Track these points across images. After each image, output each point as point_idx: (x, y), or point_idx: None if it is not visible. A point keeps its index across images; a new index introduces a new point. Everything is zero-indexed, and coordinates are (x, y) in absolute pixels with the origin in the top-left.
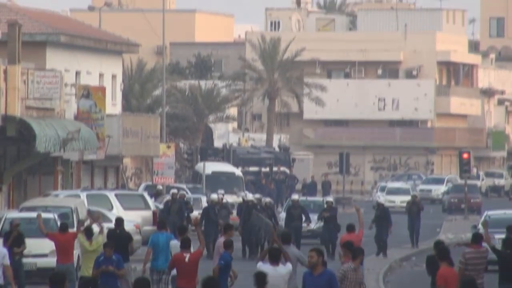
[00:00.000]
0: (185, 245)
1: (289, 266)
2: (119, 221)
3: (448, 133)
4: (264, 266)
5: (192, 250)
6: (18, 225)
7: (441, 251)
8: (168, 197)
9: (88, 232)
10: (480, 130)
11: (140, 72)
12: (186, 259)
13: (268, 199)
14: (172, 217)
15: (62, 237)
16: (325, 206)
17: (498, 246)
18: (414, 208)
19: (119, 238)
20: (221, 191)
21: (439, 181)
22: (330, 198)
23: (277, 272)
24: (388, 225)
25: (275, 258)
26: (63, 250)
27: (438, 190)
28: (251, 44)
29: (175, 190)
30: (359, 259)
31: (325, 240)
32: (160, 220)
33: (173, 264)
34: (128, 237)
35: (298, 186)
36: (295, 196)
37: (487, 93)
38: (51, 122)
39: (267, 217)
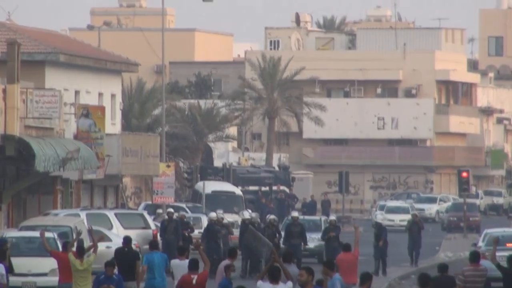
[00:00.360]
0: (193, 266)
1: (289, 284)
2: (127, 239)
3: (447, 152)
4: (264, 285)
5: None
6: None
7: (422, 279)
8: (165, 216)
9: (80, 251)
10: (479, 149)
11: (140, 92)
12: (194, 281)
13: (272, 217)
14: (168, 236)
15: (65, 256)
16: (328, 225)
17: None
18: (415, 228)
19: (126, 256)
20: (219, 211)
21: (432, 200)
22: (333, 217)
23: None
24: (384, 242)
25: (275, 276)
26: (66, 269)
27: (431, 209)
28: (251, 63)
29: (171, 210)
30: (366, 284)
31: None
32: (152, 240)
33: (180, 286)
34: (135, 255)
35: (298, 205)
36: (295, 214)
37: (486, 111)
38: (51, 141)
39: (272, 235)
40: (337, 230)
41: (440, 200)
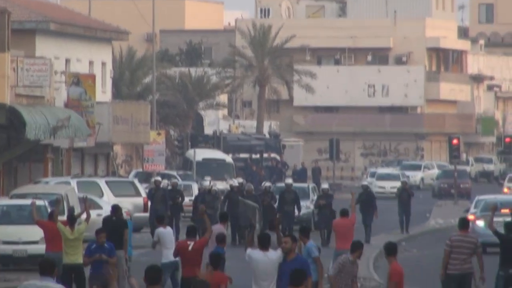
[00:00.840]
0: (190, 233)
1: (279, 252)
2: (116, 208)
3: (438, 119)
4: (254, 253)
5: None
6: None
7: (389, 249)
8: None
9: (71, 220)
10: (470, 116)
11: (130, 60)
12: (190, 248)
13: (268, 184)
14: (155, 205)
15: (51, 225)
16: (321, 193)
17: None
18: (405, 195)
19: (115, 225)
20: (207, 178)
21: (416, 167)
22: (325, 185)
23: (267, 258)
24: (373, 210)
25: (265, 243)
26: (53, 238)
27: (416, 176)
28: (241, 32)
29: (158, 178)
30: (357, 252)
31: (321, 227)
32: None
33: (176, 252)
34: (124, 224)
35: (289, 172)
36: (289, 181)
37: (477, 79)
38: (41, 109)
39: (268, 202)
40: (329, 198)
41: (425, 167)
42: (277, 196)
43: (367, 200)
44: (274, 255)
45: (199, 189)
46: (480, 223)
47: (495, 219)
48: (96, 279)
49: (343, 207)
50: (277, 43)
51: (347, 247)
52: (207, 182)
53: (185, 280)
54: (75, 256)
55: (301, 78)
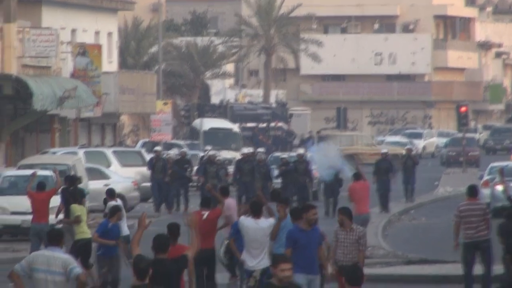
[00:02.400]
0: (205, 203)
1: (271, 221)
2: (71, 178)
3: (445, 87)
4: (246, 220)
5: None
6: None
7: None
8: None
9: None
10: (478, 83)
11: (136, 30)
12: (204, 217)
13: (301, 151)
14: (156, 175)
15: (38, 196)
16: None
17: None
18: (409, 162)
19: (73, 195)
20: (208, 147)
21: (417, 136)
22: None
23: (259, 226)
24: (392, 176)
25: (257, 211)
26: (38, 209)
27: (418, 144)
28: (247, 1)
29: (158, 148)
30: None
31: (328, 196)
32: (110, 189)
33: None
34: (81, 194)
35: (296, 141)
36: (300, 151)
37: (484, 46)
38: (48, 80)
39: (263, 173)
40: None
41: (426, 135)
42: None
43: (386, 167)
44: (265, 223)
45: (200, 159)
46: (500, 187)
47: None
48: (106, 262)
49: (355, 171)
50: (283, 11)
51: (365, 211)
52: (213, 152)
53: (201, 252)
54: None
55: (307, 46)
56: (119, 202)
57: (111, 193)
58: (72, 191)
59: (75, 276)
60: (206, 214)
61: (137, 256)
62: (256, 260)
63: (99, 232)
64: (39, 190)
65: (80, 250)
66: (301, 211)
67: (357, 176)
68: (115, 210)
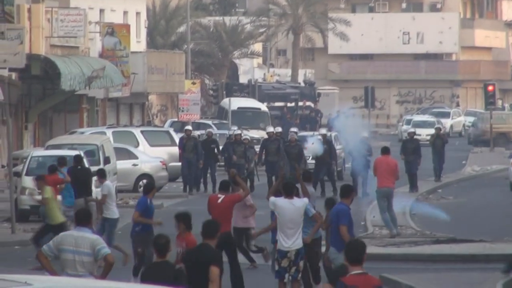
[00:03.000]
0: (223, 187)
1: (305, 200)
2: (78, 158)
3: (473, 66)
4: (278, 200)
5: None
6: None
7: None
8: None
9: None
10: (505, 63)
11: (164, 9)
12: (219, 201)
13: (295, 136)
14: (187, 154)
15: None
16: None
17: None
18: (438, 142)
19: (80, 174)
20: (234, 127)
21: (444, 115)
22: (365, 134)
23: (293, 205)
24: (418, 158)
25: (290, 191)
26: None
27: (445, 123)
28: None
29: (189, 127)
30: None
31: (355, 175)
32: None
33: (208, 204)
34: (88, 173)
35: (324, 121)
36: (323, 131)
37: None
38: (76, 60)
39: (295, 154)
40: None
41: (453, 114)
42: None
43: (413, 148)
44: (299, 202)
45: (226, 139)
46: None
47: None
48: (142, 239)
49: (384, 145)
50: None
51: (386, 185)
52: (238, 131)
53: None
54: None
55: (335, 26)
56: (109, 183)
57: (102, 174)
58: (79, 170)
59: (103, 256)
60: (222, 198)
61: (158, 234)
62: (290, 241)
63: (141, 210)
64: (50, 172)
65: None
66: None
67: (384, 151)
68: (151, 186)
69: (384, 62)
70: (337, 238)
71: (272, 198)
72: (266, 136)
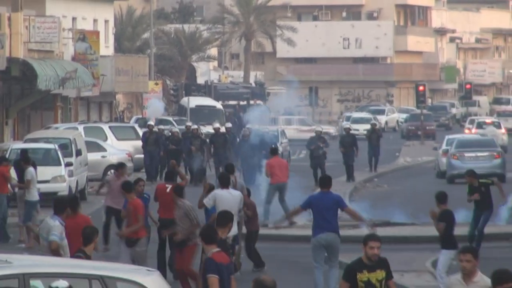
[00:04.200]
0: (168, 177)
1: (239, 191)
2: (23, 152)
3: (405, 68)
4: (219, 190)
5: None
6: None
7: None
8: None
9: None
10: (434, 65)
11: (130, 17)
12: (167, 190)
13: (319, 128)
14: (149, 147)
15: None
16: (314, 135)
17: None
18: (374, 136)
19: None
20: (189, 123)
21: (380, 112)
22: (319, 128)
23: (231, 195)
24: (355, 150)
25: (225, 182)
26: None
27: (381, 120)
28: None
29: (151, 123)
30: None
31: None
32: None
33: (155, 195)
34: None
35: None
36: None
37: (440, 32)
38: (51, 63)
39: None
40: (325, 141)
41: (388, 111)
42: None
43: (350, 142)
44: (236, 192)
45: (182, 133)
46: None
47: (466, 154)
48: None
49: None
50: (261, 1)
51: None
52: (189, 123)
53: (162, 220)
54: None
55: (283, 32)
56: (32, 169)
57: (26, 159)
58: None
59: (49, 243)
60: (169, 187)
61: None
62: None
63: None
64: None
65: None
66: None
67: (273, 152)
68: (173, 174)
69: (326, 65)
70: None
71: (215, 191)
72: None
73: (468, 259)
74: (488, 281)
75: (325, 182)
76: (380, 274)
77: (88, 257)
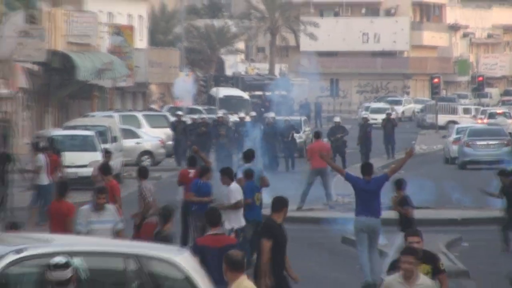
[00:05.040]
0: (191, 162)
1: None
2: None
3: (421, 62)
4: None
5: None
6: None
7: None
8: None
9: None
10: (448, 59)
11: (163, 13)
12: (191, 175)
13: (337, 118)
14: (177, 136)
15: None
16: (333, 125)
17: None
18: (389, 125)
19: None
20: (220, 112)
21: (397, 103)
22: (337, 119)
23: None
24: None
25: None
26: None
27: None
28: None
29: (180, 112)
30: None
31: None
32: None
33: (179, 179)
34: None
35: (296, 106)
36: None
37: (454, 27)
38: (89, 55)
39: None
40: (344, 130)
41: (405, 102)
42: None
43: (367, 131)
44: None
45: (213, 121)
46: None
47: (478, 142)
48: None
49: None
50: None
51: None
52: (220, 112)
53: (186, 203)
54: None
55: (306, 27)
56: (42, 156)
57: (37, 146)
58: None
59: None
60: (192, 172)
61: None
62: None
63: (194, 190)
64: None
65: None
66: None
67: (317, 135)
68: (206, 170)
69: (346, 58)
70: None
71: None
72: (249, 120)
73: (410, 261)
74: (430, 282)
75: (367, 169)
76: (425, 268)
77: (165, 237)
